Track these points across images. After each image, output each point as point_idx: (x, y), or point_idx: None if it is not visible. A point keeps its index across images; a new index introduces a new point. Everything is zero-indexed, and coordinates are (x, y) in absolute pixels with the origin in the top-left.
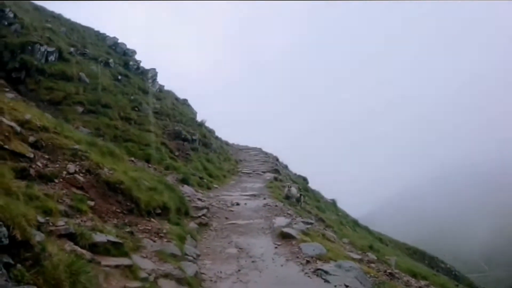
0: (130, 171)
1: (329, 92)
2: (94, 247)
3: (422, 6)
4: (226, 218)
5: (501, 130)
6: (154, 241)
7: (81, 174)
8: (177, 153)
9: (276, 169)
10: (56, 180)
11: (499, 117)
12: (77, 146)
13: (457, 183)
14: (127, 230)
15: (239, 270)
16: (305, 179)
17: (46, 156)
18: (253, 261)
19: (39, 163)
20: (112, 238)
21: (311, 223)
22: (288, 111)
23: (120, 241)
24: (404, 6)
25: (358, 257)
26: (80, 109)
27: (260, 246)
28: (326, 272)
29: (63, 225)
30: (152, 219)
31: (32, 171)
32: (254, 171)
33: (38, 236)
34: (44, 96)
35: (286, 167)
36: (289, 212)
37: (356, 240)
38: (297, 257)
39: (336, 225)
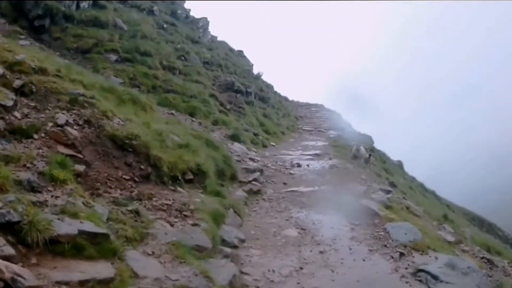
0: (155, 123)
1: None
2: (54, 245)
3: None
4: (284, 183)
5: None
6: (172, 225)
7: (75, 127)
8: (228, 107)
9: (341, 126)
10: (36, 136)
11: None
12: (80, 91)
13: None
14: (131, 208)
15: (301, 268)
16: (370, 138)
17: (32, 104)
18: (321, 252)
19: (17, 113)
20: (89, 227)
21: (390, 191)
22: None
23: (104, 231)
24: None
25: (452, 239)
26: (113, 57)
27: (331, 225)
28: (434, 278)
29: None
30: (178, 188)
31: (0, 124)
32: (316, 128)
33: None
34: (70, 44)
35: (349, 125)
36: (362, 176)
37: (430, 209)
38: (385, 246)
39: (406, 190)
